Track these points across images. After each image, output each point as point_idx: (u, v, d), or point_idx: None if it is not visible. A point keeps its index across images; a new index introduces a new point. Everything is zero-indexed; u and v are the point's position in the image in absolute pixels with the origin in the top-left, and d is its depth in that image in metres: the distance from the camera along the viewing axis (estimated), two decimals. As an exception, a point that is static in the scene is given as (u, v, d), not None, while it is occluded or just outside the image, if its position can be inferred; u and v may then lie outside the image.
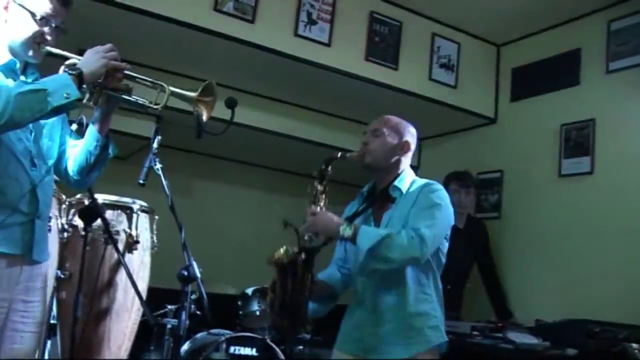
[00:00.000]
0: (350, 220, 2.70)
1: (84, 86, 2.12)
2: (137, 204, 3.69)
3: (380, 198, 2.79)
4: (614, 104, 4.55)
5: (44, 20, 2.15)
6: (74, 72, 2.06)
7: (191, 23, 4.18)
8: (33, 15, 2.14)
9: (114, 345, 3.50)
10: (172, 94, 2.27)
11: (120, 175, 3.88)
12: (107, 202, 3.57)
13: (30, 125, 2.16)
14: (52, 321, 3.66)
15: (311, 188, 2.75)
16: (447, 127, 5.91)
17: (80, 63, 2.14)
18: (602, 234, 4.44)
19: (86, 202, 3.10)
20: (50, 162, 2.31)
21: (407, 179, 2.78)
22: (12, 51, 2.18)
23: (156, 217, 3.88)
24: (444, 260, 2.78)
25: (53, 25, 2.18)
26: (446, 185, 4.66)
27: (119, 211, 3.63)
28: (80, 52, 4.66)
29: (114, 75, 2.20)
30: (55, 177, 2.45)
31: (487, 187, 5.43)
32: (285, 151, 6.31)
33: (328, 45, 4.70)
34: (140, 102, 2.28)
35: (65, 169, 2.40)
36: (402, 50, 5.04)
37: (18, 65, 2.19)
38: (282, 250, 2.63)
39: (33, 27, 2.14)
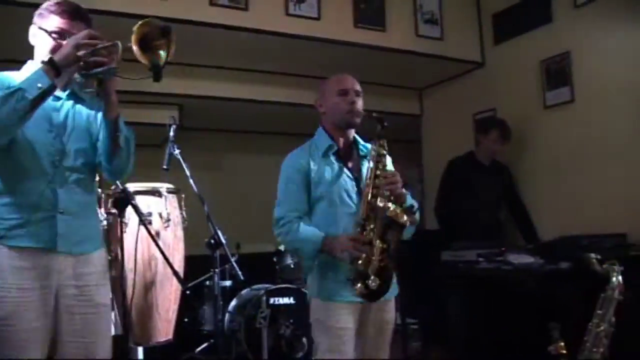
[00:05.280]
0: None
1: (75, 73, 2.19)
2: (164, 187, 3.94)
3: (355, 154, 2.85)
4: (585, 36, 4.58)
5: (57, 35, 2.23)
6: (45, 62, 2.08)
7: (192, 19, 4.34)
8: (47, 32, 2.24)
9: (162, 310, 3.79)
10: (124, 49, 2.09)
11: (156, 160, 3.94)
12: (138, 189, 3.83)
13: (49, 126, 2.24)
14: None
15: (376, 149, 2.63)
16: (441, 75, 5.97)
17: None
18: (583, 156, 4.56)
19: (118, 191, 3.32)
20: (80, 161, 2.31)
21: None
22: None
23: (182, 195, 4.10)
24: None
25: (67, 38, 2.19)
26: (486, 130, 4.89)
27: (150, 195, 3.89)
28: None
29: (93, 54, 2.08)
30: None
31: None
32: (293, 117, 6.48)
33: (318, 19, 4.79)
34: (106, 69, 2.12)
35: (100, 164, 2.38)
36: (387, 12, 5.10)
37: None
38: (398, 209, 2.49)
39: (50, 43, 2.24)
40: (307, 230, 2.67)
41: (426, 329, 5.42)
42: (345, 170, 2.78)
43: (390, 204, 2.49)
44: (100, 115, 2.33)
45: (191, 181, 3.44)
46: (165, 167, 3.56)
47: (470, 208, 4.78)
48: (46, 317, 2.14)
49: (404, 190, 2.62)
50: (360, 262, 2.52)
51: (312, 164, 2.76)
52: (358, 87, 2.82)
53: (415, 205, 2.63)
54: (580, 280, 3.57)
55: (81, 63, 2.10)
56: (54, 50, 2.18)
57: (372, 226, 2.54)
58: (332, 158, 2.79)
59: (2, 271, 2.09)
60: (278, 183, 2.87)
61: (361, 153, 2.84)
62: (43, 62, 2.09)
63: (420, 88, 6.44)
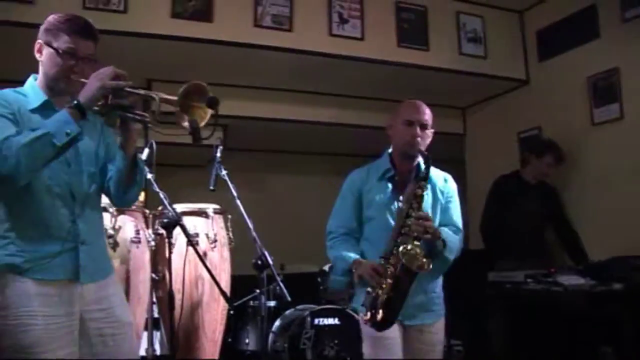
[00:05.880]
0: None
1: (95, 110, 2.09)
2: (210, 208, 3.96)
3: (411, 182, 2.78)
4: (633, 51, 4.48)
5: (68, 55, 2.15)
6: (71, 105, 2.02)
7: (237, 41, 4.43)
8: (57, 51, 2.15)
9: (209, 330, 3.79)
10: (162, 101, 2.06)
11: (201, 181, 3.97)
12: (185, 210, 3.86)
13: (68, 158, 2.16)
14: (155, 316, 4.00)
15: (413, 189, 2.64)
16: (485, 94, 5.93)
17: (81, 91, 2.07)
18: (633, 173, 4.43)
19: (166, 212, 3.33)
20: (93, 187, 2.29)
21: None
22: (51, 88, 2.20)
23: (229, 216, 4.12)
24: None
25: (79, 57, 2.16)
26: (540, 152, 4.79)
27: (197, 216, 3.92)
28: (149, 83, 4.92)
29: (118, 95, 2.08)
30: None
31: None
32: (337, 137, 6.52)
33: (361, 39, 4.82)
34: (138, 117, 2.12)
35: (108, 188, 2.35)
36: (430, 32, 5.10)
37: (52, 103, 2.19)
38: (424, 258, 2.53)
39: (58, 62, 2.15)
40: (344, 249, 2.82)
41: (471, 351, 5.33)
42: (397, 196, 2.80)
43: (409, 246, 2.53)
44: (106, 138, 2.35)
45: (238, 202, 3.45)
46: (211, 188, 3.58)
47: (516, 228, 4.69)
48: (73, 344, 2.12)
49: (437, 233, 2.65)
50: (373, 291, 2.59)
51: (365, 186, 2.86)
52: (425, 119, 2.81)
53: (449, 244, 2.69)
54: (634, 302, 3.48)
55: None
56: (65, 71, 2.15)
57: (392, 261, 2.57)
58: (387, 183, 2.84)
59: (28, 299, 2.05)
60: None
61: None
62: (69, 105, 2.03)
63: (463, 107, 6.40)
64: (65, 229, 2.15)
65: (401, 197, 2.79)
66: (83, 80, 2.12)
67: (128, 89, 2.08)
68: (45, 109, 2.17)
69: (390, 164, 2.87)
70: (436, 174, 2.88)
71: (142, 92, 2.11)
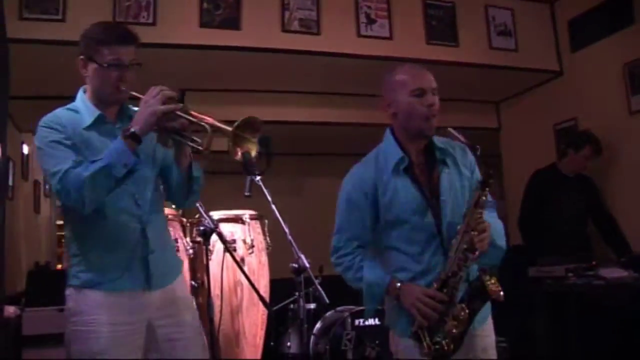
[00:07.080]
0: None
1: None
2: (247, 214, 3.98)
3: (431, 161, 2.34)
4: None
5: (113, 67, 2.12)
6: (127, 134, 2.02)
7: (267, 47, 4.44)
8: (101, 65, 2.12)
9: (250, 335, 3.82)
10: (214, 129, 2.04)
11: (237, 186, 3.88)
12: (222, 217, 3.88)
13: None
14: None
15: (479, 195, 2.15)
16: (518, 87, 5.84)
17: (134, 119, 2.08)
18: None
19: (203, 220, 3.35)
20: (156, 191, 2.30)
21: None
22: (102, 101, 2.20)
23: (266, 221, 4.12)
24: None
25: (124, 65, 2.14)
26: (579, 145, 4.67)
27: (233, 222, 3.93)
28: (182, 93, 4.97)
29: (170, 118, 2.08)
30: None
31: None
32: (372, 137, 6.46)
33: (390, 38, 4.79)
34: (191, 144, 2.14)
35: (170, 194, 2.38)
36: (459, 27, 5.04)
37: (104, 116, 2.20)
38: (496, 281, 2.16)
39: (105, 75, 2.13)
40: (371, 271, 2.30)
41: (514, 347, 5.24)
42: (419, 186, 2.29)
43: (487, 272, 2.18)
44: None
45: (273, 207, 3.45)
46: (247, 194, 3.58)
47: (555, 222, 4.61)
48: (139, 350, 2.15)
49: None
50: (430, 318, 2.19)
51: (379, 183, 2.31)
52: (435, 84, 2.28)
53: (497, 233, 2.27)
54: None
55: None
56: (113, 82, 2.14)
57: (455, 284, 2.17)
58: (406, 175, 2.29)
59: (99, 308, 2.10)
60: (337, 202, 2.44)
61: (438, 157, 2.34)
62: (124, 135, 2.03)
63: (497, 101, 6.31)
64: (135, 241, 2.18)
65: (420, 183, 2.29)
66: (133, 94, 2.15)
67: (179, 113, 2.08)
68: (99, 124, 2.19)
69: (400, 149, 2.32)
70: (450, 144, 2.36)
71: (193, 118, 2.09)
